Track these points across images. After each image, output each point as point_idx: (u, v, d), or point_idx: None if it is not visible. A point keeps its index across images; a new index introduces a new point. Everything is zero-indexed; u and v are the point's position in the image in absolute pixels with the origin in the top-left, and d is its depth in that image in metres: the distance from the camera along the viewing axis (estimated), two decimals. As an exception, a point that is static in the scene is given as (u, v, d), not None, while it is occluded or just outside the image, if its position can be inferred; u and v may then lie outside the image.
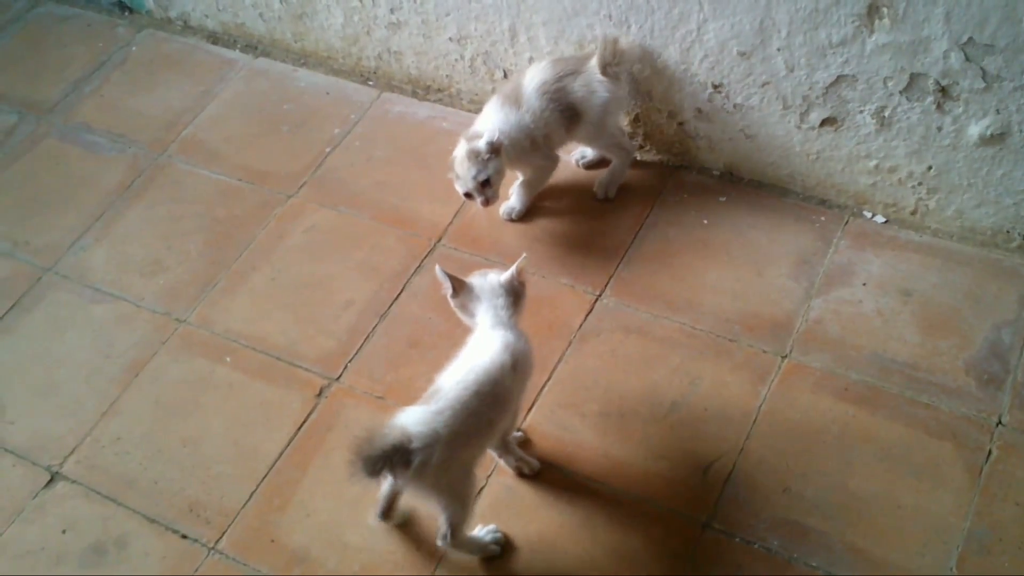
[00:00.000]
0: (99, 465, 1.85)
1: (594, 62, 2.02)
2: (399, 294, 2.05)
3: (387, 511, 1.69)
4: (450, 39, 2.31)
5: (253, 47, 2.66)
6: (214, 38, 2.71)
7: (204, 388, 1.94)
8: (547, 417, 1.83)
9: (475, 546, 1.65)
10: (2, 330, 2.09)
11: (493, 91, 2.35)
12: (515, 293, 1.67)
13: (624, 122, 2.22)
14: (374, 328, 2.00)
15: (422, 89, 2.48)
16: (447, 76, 2.41)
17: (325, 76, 2.55)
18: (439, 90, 2.46)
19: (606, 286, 2.02)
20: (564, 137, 2.09)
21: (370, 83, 2.52)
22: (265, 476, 1.80)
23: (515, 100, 2.03)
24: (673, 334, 1.92)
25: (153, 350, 2.01)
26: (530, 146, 2.04)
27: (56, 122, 2.53)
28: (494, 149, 1.97)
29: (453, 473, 1.54)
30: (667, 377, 1.86)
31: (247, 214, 2.24)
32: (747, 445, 1.75)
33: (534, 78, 2.03)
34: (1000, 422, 1.73)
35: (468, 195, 2.02)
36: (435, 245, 2.13)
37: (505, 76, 2.30)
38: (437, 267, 1.67)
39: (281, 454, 1.83)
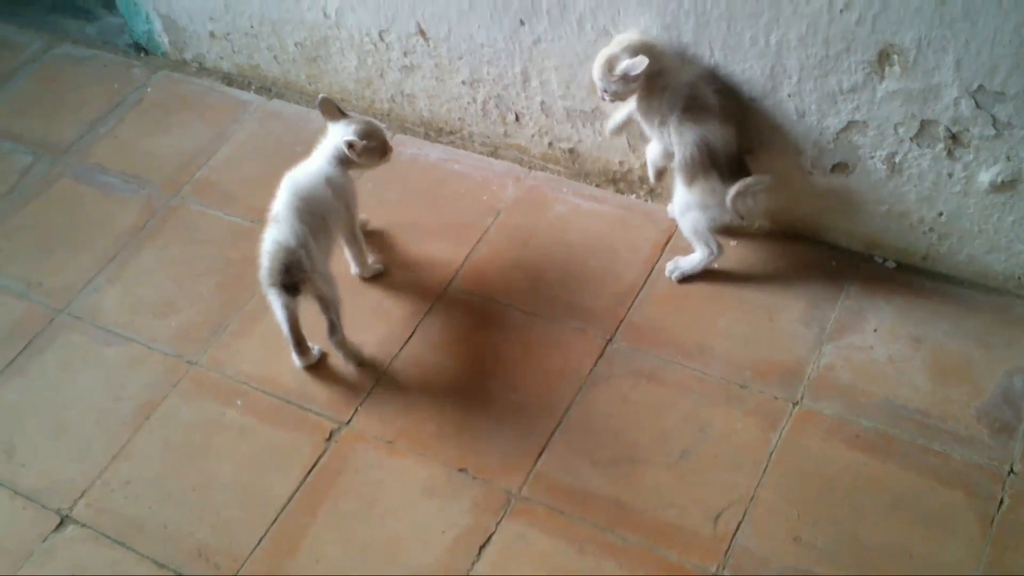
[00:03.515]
0: (109, 508, 1.89)
1: (736, 187, 1.96)
2: (410, 337, 2.10)
3: (300, 346, 2.03)
4: (462, 82, 2.38)
5: (267, 89, 2.74)
6: (229, 80, 2.79)
7: (214, 431, 1.98)
8: (557, 464, 1.86)
9: (350, 349, 2.03)
10: (15, 371, 2.14)
11: (505, 134, 2.42)
12: (343, 158, 2.04)
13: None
14: (384, 371, 2.04)
15: (434, 131, 2.54)
16: (459, 119, 2.47)
17: (338, 118, 2.62)
18: (451, 132, 2.52)
19: (616, 330, 2.06)
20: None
21: (383, 125, 2.58)
22: (275, 520, 1.83)
23: (701, 110, 1.96)
24: (684, 380, 1.96)
25: (164, 392, 2.06)
26: (657, 123, 2.00)
27: (71, 163, 2.60)
28: (629, 79, 1.92)
29: (323, 263, 1.97)
30: (678, 423, 1.89)
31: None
32: (758, 493, 1.77)
33: (701, 137, 1.96)
34: (1012, 470, 1.76)
35: None
36: (446, 288, 2.18)
37: (517, 119, 2.36)
38: (321, 95, 2.08)
39: (291, 498, 1.86)
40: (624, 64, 1.90)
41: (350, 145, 2.00)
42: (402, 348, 2.08)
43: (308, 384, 2.04)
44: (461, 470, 1.87)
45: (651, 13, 1.98)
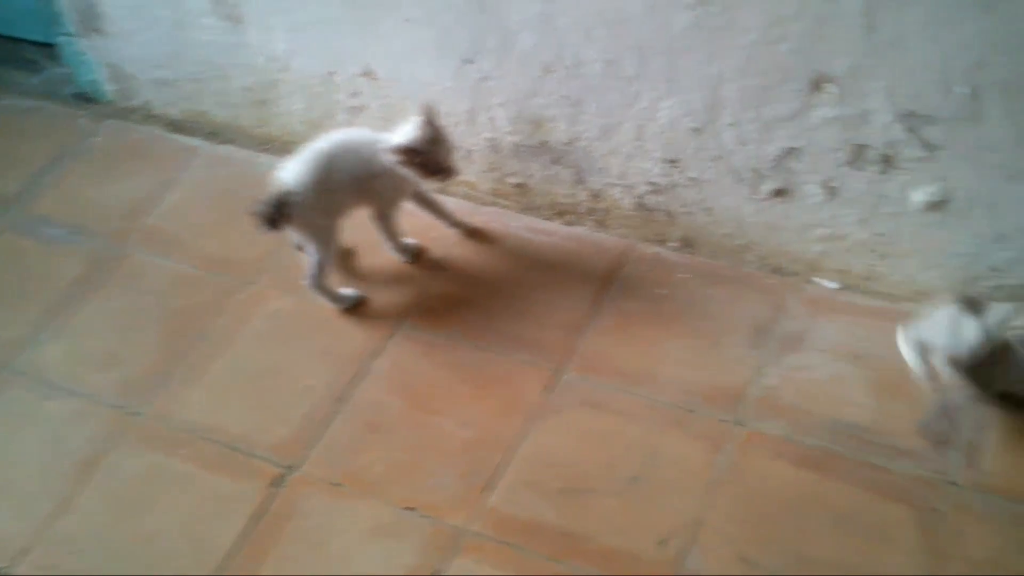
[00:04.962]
0: (53, 565, 1.90)
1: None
2: (359, 379, 2.14)
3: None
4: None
5: (215, 134, 2.79)
6: (176, 126, 2.83)
7: (159, 482, 2.01)
8: (507, 497, 1.91)
9: (332, 295, 2.24)
10: (-43, 430, 2.17)
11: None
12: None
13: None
14: (334, 414, 2.08)
15: (382, 171, 2.60)
16: (406, 158, 2.53)
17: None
18: (399, 171, 2.58)
19: (566, 361, 2.11)
20: None
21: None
22: (222, 570, 1.85)
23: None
24: (633, 407, 2.01)
25: (108, 446, 2.08)
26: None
27: (14, 216, 2.63)
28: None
29: (319, 218, 2.14)
30: (627, 450, 1.94)
31: (206, 303, 2.34)
32: (705, 516, 1.82)
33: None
34: (951, 482, 1.82)
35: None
36: (396, 326, 2.23)
37: (466, 156, 2.42)
38: (427, 103, 2.13)
39: (237, 547, 1.88)
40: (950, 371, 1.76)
41: (388, 150, 2.09)
42: (351, 390, 2.12)
43: (254, 431, 2.07)
44: (410, 509, 1.91)
45: (596, 48, 2.06)
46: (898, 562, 1.72)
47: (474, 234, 2.39)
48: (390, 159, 2.10)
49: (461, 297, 2.28)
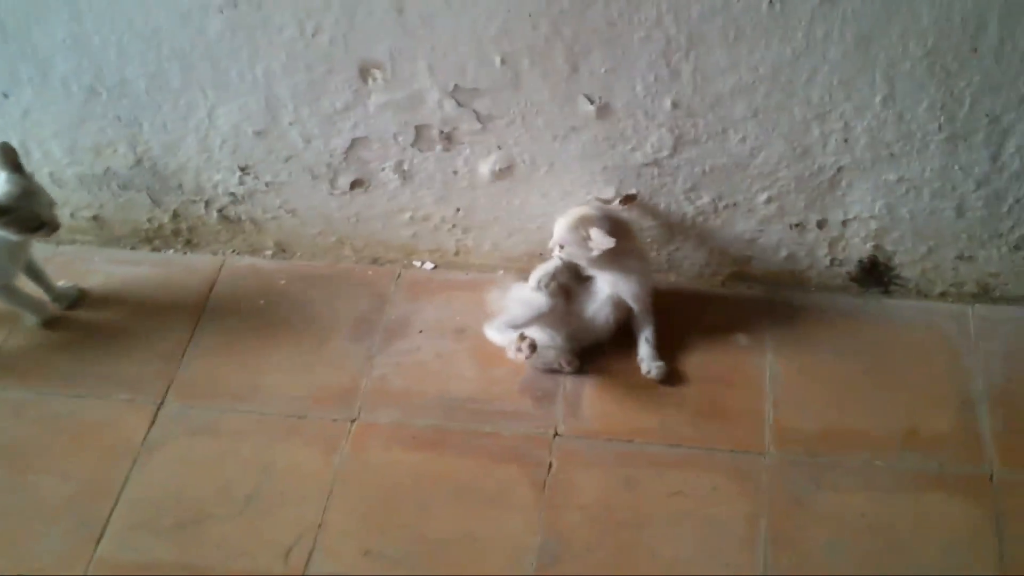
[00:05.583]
0: None
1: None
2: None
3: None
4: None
5: None
6: None
7: None
8: (119, 544, 1.80)
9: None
10: None
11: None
12: None
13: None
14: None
15: None
16: None
17: None
18: None
19: (167, 392, 2.02)
20: None
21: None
22: None
23: None
24: (242, 425, 1.96)
25: None
26: None
27: None
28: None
29: None
30: (240, 471, 1.89)
31: None
32: (326, 518, 1.81)
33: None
34: (557, 433, 1.93)
35: None
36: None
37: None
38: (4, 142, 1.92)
39: None
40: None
41: None
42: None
43: None
44: (8, 583, 1.74)
45: (136, 64, 1.97)
46: (518, 521, 1.80)
47: (81, 301, 2.23)
48: None
49: (49, 345, 2.13)
